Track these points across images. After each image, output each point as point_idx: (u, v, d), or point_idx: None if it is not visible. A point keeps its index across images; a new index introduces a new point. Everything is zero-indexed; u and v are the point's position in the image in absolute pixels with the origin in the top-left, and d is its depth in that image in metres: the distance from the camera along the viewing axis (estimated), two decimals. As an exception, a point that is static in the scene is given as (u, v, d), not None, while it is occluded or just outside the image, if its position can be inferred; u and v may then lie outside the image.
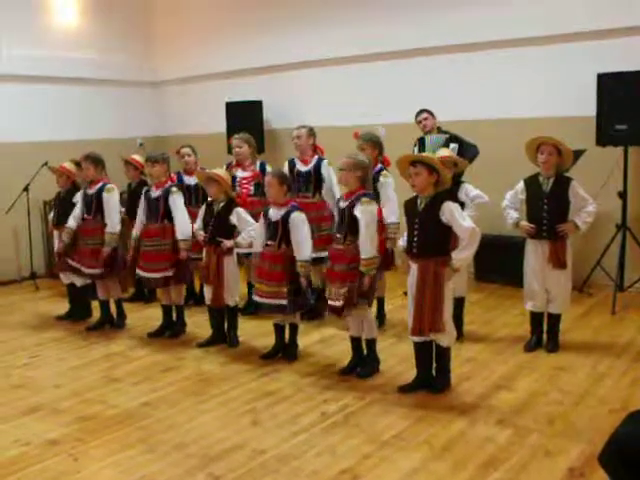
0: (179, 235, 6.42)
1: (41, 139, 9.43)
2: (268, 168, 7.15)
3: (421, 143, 7.17)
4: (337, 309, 5.23)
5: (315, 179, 6.93)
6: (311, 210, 6.56)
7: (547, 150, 5.66)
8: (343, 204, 5.28)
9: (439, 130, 7.75)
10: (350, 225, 5.18)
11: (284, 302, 5.61)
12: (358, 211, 5.12)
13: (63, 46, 9.99)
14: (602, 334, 6.32)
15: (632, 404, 4.60)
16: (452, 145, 6.71)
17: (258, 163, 7.41)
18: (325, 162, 6.96)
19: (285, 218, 5.64)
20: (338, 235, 5.29)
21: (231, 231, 6.11)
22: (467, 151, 6.97)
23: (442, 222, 4.79)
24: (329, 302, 5.26)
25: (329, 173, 6.91)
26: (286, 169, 6.83)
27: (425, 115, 7.89)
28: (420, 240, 4.89)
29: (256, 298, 5.84)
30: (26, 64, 9.37)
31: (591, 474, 3.72)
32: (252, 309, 7.05)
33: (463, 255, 4.79)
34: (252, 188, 7.18)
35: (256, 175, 7.21)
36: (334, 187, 6.82)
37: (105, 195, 6.77)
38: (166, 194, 6.48)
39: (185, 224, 6.44)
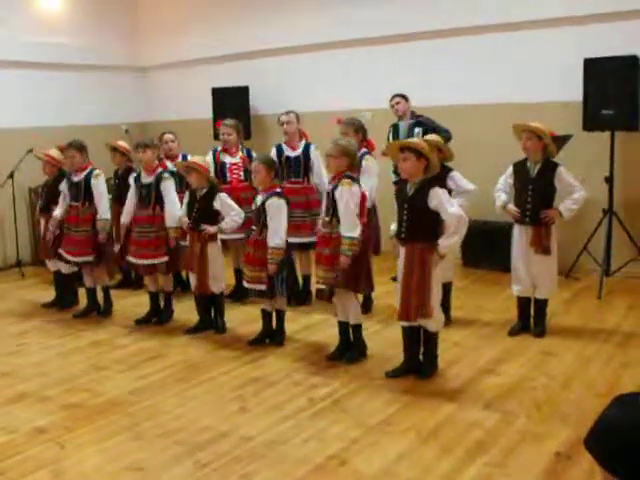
0: (168, 222, 6.39)
1: (25, 125, 9.34)
2: (253, 154, 7.13)
3: (394, 129, 7.15)
4: (324, 292, 5.24)
5: (304, 164, 6.92)
6: (301, 195, 6.61)
7: (526, 136, 5.68)
8: (328, 187, 5.32)
9: (412, 114, 7.71)
10: (335, 208, 5.19)
11: (263, 287, 5.64)
12: (337, 192, 5.15)
13: (47, 31, 9.89)
14: (589, 319, 6.35)
15: (618, 388, 4.63)
16: (416, 130, 6.74)
17: (245, 150, 7.39)
18: (313, 147, 6.97)
19: (264, 203, 5.64)
20: (326, 218, 5.29)
21: (215, 217, 6.09)
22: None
23: (430, 208, 4.79)
24: (317, 286, 5.27)
25: (317, 158, 6.90)
26: (274, 155, 6.80)
27: (397, 100, 7.77)
28: (408, 225, 4.90)
29: (245, 284, 5.86)
30: (9, 49, 9.26)
31: (578, 458, 3.73)
32: (238, 295, 7.05)
33: (450, 241, 4.80)
34: (242, 174, 7.17)
35: (244, 161, 7.19)
36: (322, 171, 6.82)
37: (93, 181, 6.74)
38: (158, 180, 6.46)
39: (175, 211, 6.40)
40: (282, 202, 5.66)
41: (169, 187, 6.46)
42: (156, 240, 6.44)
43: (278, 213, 5.62)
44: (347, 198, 5.12)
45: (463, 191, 5.94)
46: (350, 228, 5.11)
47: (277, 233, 5.58)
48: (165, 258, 6.46)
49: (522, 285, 5.92)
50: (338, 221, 5.18)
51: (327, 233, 5.26)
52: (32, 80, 9.67)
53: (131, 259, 6.54)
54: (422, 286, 4.82)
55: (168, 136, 7.65)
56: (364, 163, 6.29)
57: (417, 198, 4.86)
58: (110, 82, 10.88)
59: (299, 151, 6.96)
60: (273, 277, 5.60)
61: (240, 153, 7.31)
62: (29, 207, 9.53)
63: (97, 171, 6.80)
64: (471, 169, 6.98)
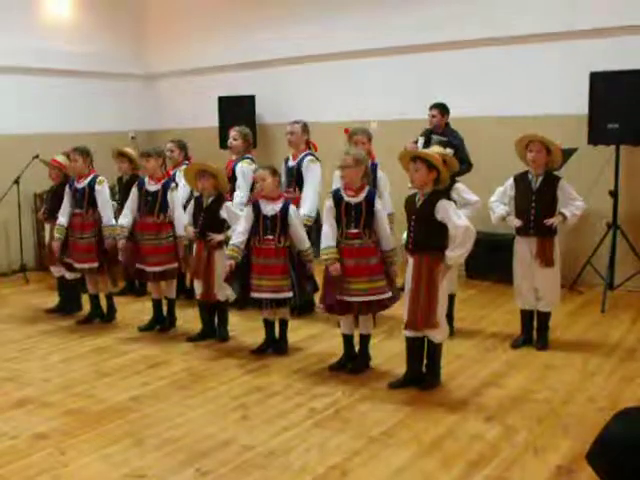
0: (179, 231, 6.42)
1: (32, 132, 9.37)
2: (242, 165, 7.14)
3: (427, 139, 7.09)
4: (382, 302, 5.27)
5: (297, 174, 6.91)
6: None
7: (535, 148, 5.68)
8: (352, 199, 5.23)
9: (447, 128, 7.72)
10: (367, 219, 5.18)
11: (289, 294, 5.63)
12: (378, 204, 5.24)
13: (55, 38, 9.93)
14: (592, 332, 6.34)
15: (621, 403, 4.60)
16: (448, 150, 6.70)
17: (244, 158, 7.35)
18: (307, 159, 6.88)
19: (284, 212, 5.65)
20: (355, 230, 5.21)
21: (221, 225, 6.09)
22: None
23: (437, 219, 4.81)
24: (367, 298, 5.22)
25: (307, 170, 6.83)
26: (282, 166, 6.86)
27: (433, 112, 7.79)
28: (416, 236, 4.92)
29: (255, 294, 5.72)
30: (17, 56, 9.30)
31: (579, 472, 3.72)
32: (242, 304, 7.03)
33: (457, 253, 4.80)
34: None
35: (227, 168, 7.19)
36: (307, 184, 6.80)
37: (97, 187, 6.74)
38: (165, 189, 6.47)
39: (184, 221, 6.41)
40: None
41: (176, 198, 6.51)
42: (166, 248, 6.47)
43: (299, 219, 5.83)
44: (383, 213, 5.27)
45: (467, 203, 5.95)
46: (391, 241, 5.28)
47: (306, 237, 5.75)
48: (175, 264, 6.49)
49: (526, 298, 5.92)
50: (369, 231, 5.19)
51: (357, 244, 5.20)
52: (39, 86, 9.72)
53: (142, 267, 6.54)
54: (429, 297, 4.84)
55: (169, 145, 7.70)
56: (380, 174, 6.35)
57: (425, 209, 4.87)
58: (117, 90, 10.91)
59: (296, 161, 6.96)
60: (309, 277, 5.77)
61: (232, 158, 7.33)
62: (34, 213, 9.54)
63: (101, 177, 6.80)
64: (475, 181, 7.00)
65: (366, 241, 5.19)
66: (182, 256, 6.46)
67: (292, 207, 5.76)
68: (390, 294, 5.23)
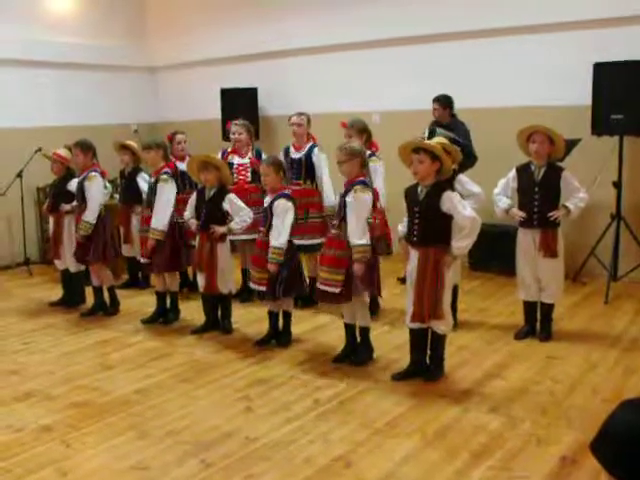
0: (153, 224, 6.36)
1: (34, 125, 9.37)
2: (263, 155, 7.14)
3: (431, 132, 7.08)
4: (332, 296, 5.23)
5: (306, 166, 6.92)
6: (301, 197, 6.60)
7: (539, 139, 5.66)
8: (342, 192, 5.29)
9: (454, 119, 7.72)
10: (345, 213, 5.18)
11: (264, 288, 5.67)
12: (350, 197, 5.13)
13: (57, 30, 9.92)
14: (595, 323, 6.33)
15: (624, 393, 4.62)
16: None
17: (254, 150, 7.40)
18: (316, 149, 6.95)
19: (272, 205, 5.65)
20: (335, 221, 5.30)
21: (224, 218, 6.10)
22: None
23: (442, 211, 4.80)
24: (320, 287, 5.27)
25: (320, 160, 6.91)
26: (281, 156, 6.82)
27: (434, 106, 7.86)
28: (421, 228, 4.90)
29: (251, 285, 5.87)
30: (20, 49, 9.30)
31: (583, 462, 3.73)
32: (245, 296, 7.07)
33: (463, 243, 4.80)
34: (249, 175, 7.18)
35: (253, 162, 7.19)
36: (323, 175, 6.86)
37: (86, 183, 6.75)
38: (156, 181, 6.48)
39: (160, 214, 6.37)
40: (289, 204, 5.68)
41: (162, 189, 6.41)
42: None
43: (283, 214, 5.63)
44: (357, 206, 5.12)
45: (470, 194, 5.93)
46: (359, 236, 5.09)
47: (280, 234, 5.59)
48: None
49: (529, 289, 5.91)
50: (346, 224, 5.18)
51: (336, 236, 5.25)
52: (42, 80, 9.71)
53: (142, 259, 6.56)
54: (435, 288, 4.84)
55: (181, 136, 7.67)
56: (371, 165, 6.31)
57: (429, 201, 4.85)
58: (119, 82, 10.89)
59: (302, 153, 6.97)
60: (273, 278, 5.61)
61: (250, 154, 7.31)
62: (37, 206, 9.55)
63: (93, 174, 6.79)
64: (479, 172, 7.01)
65: (339, 234, 5.21)
66: (151, 249, 6.36)
67: (280, 200, 5.66)
68: (337, 290, 5.18)
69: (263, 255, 5.66)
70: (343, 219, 5.19)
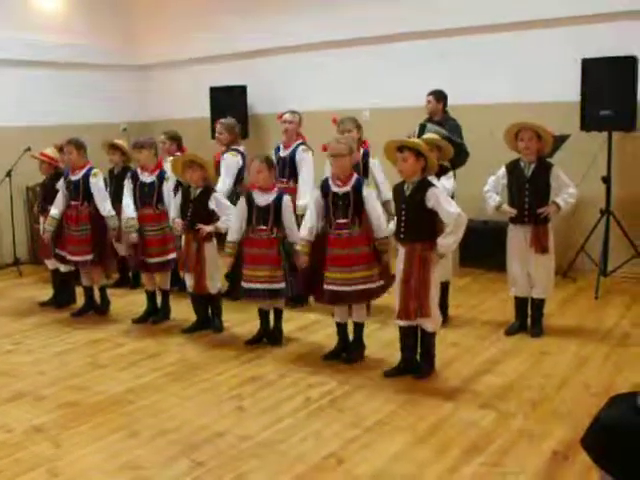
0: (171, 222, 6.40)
1: (23, 124, 9.33)
2: (226, 156, 7.14)
3: (421, 130, 7.08)
4: (368, 292, 5.23)
5: (290, 165, 6.93)
6: None
7: (527, 136, 5.67)
8: (340, 189, 5.23)
9: (445, 116, 7.73)
10: (356, 208, 5.17)
11: (282, 285, 5.62)
12: (365, 191, 5.19)
13: (44, 30, 9.87)
14: (586, 319, 6.35)
15: (615, 388, 4.64)
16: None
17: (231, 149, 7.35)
18: (301, 148, 6.95)
19: (277, 202, 5.64)
20: (344, 220, 5.19)
21: (210, 217, 6.07)
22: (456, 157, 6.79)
23: (428, 208, 4.79)
24: (333, 288, 5.21)
25: (302, 159, 6.90)
26: (273, 154, 6.85)
27: (428, 99, 7.92)
28: (407, 225, 4.90)
29: (247, 285, 5.71)
30: (6, 48, 9.25)
31: (574, 457, 3.74)
32: (234, 294, 7.02)
33: (449, 241, 4.79)
34: None
35: (215, 160, 7.22)
36: (302, 173, 6.87)
37: (92, 180, 6.70)
38: (161, 180, 6.49)
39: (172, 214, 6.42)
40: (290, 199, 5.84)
41: (169, 189, 6.55)
42: (164, 238, 6.51)
43: (292, 209, 5.80)
44: (375, 199, 5.26)
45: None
46: (386, 226, 5.22)
47: (296, 228, 5.67)
48: (175, 254, 6.51)
49: (519, 285, 5.93)
50: (360, 221, 5.17)
51: (346, 234, 5.17)
52: (29, 79, 9.68)
53: (144, 258, 6.54)
54: (422, 285, 4.84)
55: (161, 137, 7.66)
56: (372, 161, 6.35)
57: (414, 198, 4.85)
58: (108, 81, 10.84)
59: (288, 151, 6.98)
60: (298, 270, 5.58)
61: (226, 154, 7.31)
62: (26, 206, 9.52)
63: (96, 170, 6.78)
64: (467, 169, 7.02)
65: (355, 230, 5.18)
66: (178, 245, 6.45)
67: (286, 197, 5.76)
68: (381, 282, 5.22)
69: (271, 253, 5.62)
70: (355, 215, 5.17)
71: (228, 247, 5.77)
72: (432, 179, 5.08)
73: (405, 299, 4.90)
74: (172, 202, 6.39)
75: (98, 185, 6.73)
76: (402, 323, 5.04)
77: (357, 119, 6.48)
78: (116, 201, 7.15)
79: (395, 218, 5.09)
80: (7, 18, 9.35)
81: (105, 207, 6.72)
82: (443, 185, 5.62)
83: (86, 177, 6.71)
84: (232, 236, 5.78)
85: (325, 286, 5.22)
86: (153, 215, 6.50)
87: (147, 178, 6.54)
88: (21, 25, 9.55)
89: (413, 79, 8.46)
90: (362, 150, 6.35)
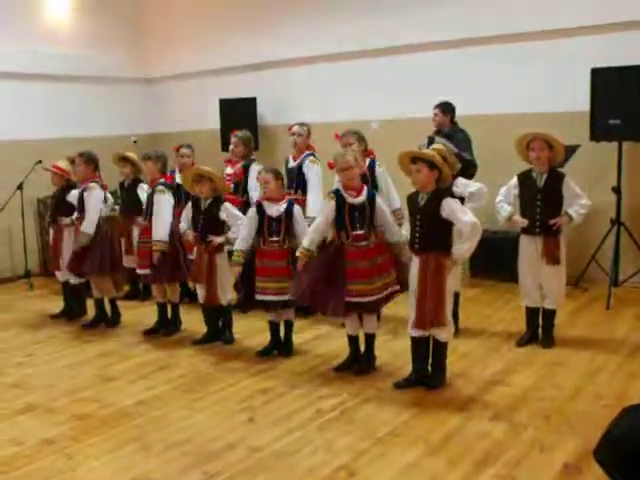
0: (153, 235, 6.38)
1: (34, 137, 9.39)
2: (254, 166, 7.16)
3: (429, 143, 7.06)
4: (386, 297, 5.26)
5: (298, 176, 6.95)
6: None
7: (538, 146, 5.65)
8: (355, 200, 5.22)
9: (454, 127, 7.72)
10: (372, 218, 5.19)
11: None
12: (377, 203, 5.25)
13: (55, 43, 9.95)
14: (597, 329, 6.32)
15: (627, 399, 4.60)
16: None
17: (245, 163, 7.38)
18: (308, 160, 6.96)
19: (289, 212, 5.67)
20: (362, 231, 5.18)
21: (221, 227, 6.08)
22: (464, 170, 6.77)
23: (443, 217, 4.81)
24: (359, 300, 5.20)
25: (309, 171, 6.92)
26: (283, 166, 6.89)
27: (435, 112, 7.85)
28: (421, 235, 4.91)
29: (260, 297, 5.73)
30: (18, 61, 9.32)
31: (587, 469, 3.71)
32: (246, 306, 7.02)
33: (464, 248, 4.81)
34: (232, 186, 7.14)
35: (238, 175, 7.26)
36: (309, 185, 6.89)
37: (85, 194, 6.79)
38: (153, 192, 6.49)
39: (161, 225, 6.38)
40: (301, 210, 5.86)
41: (160, 200, 6.44)
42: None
43: (303, 219, 5.80)
44: (384, 207, 5.33)
45: (471, 193, 5.89)
46: (400, 233, 5.26)
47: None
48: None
49: (531, 296, 5.91)
50: (375, 229, 5.21)
51: (364, 245, 5.17)
52: (40, 92, 9.74)
53: (139, 271, 6.56)
54: (437, 295, 4.84)
55: (184, 150, 7.67)
56: (379, 169, 6.36)
57: (429, 208, 4.87)
58: (119, 94, 10.93)
59: (296, 162, 7.01)
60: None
61: (239, 165, 7.33)
62: (37, 218, 9.56)
63: (92, 184, 6.82)
64: (479, 179, 7.00)
65: (373, 240, 5.20)
66: (156, 261, 6.36)
67: (297, 207, 5.79)
68: (397, 287, 5.24)
69: (280, 264, 5.63)
70: (371, 225, 5.20)
71: (236, 255, 5.74)
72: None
73: (421, 309, 4.90)
74: (159, 215, 6.37)
75: (88, 200, 6.78)
76: (415, 333, 5.03)
77: (359, 131, 6.47)
78: (127, 213, 7.18)
79: (407, 226, 5.10)
80: (18, 32, 9.40)
81: (87, 222, 6.71)
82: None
83: (84, 191, 6.78)
84: (240, 244, 5.77)
85: (348, 299, 5.17)
86: (147, 228, 6.50)
87: (149, 190, 6.62)
88: (31, 39, 9.60)
89: (423, 91, 8.45)
90: (368, 160, 6.36)
